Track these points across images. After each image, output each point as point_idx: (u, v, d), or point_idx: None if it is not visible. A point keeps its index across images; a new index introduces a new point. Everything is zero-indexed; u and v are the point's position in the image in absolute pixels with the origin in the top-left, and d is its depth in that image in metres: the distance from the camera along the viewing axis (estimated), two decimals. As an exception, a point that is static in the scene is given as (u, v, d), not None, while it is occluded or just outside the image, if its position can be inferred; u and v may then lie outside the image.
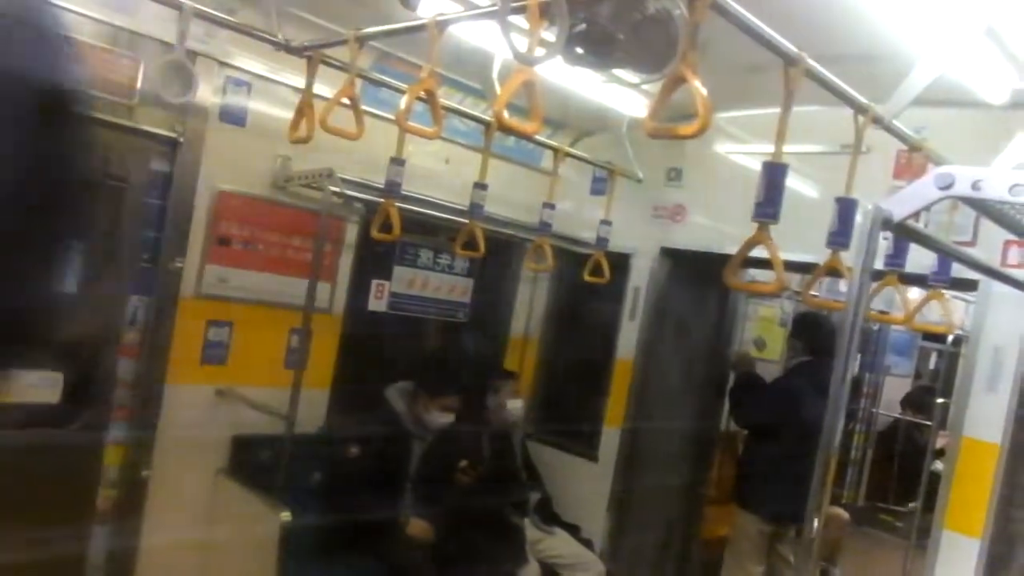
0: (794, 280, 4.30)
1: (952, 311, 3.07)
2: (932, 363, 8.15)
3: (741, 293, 4.59)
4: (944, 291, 2.94)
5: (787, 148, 2.13)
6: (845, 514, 5.45)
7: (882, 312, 4.87)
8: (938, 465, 6.63)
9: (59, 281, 0.60)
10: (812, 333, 4.33)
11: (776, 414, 4.08)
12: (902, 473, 6.67)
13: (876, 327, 6.63)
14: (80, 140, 0.55)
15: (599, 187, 4.25)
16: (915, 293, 3.31)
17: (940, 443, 6.59)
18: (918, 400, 7.08)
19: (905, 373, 7.73)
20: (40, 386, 2.81)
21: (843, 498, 6.32)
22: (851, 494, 6.58)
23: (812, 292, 3.10)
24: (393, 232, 3.02)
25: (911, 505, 5.73)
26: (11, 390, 2.61)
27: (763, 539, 4.17)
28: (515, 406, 3.99)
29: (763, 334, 5.19)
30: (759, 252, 2.14)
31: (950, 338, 6.71)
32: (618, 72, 3.11)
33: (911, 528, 5.99)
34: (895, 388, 7.23)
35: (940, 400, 5.15)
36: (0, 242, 0.53)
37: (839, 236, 2.41)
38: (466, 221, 3.39)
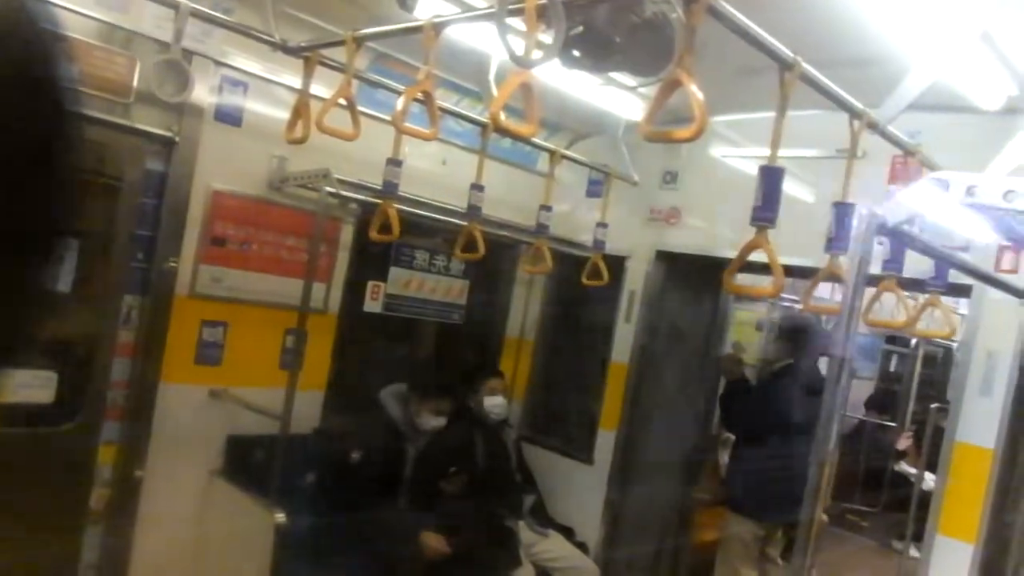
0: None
1: (950, 315, 3.07)
2: (893, 366, 8.21)
3: (729, 297, 4.60)
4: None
5: (782, 152, 2.13)
6: (825, 517, 5.47)
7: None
8: (903, 466, 6.72)
9: (51, 279, 0.60)
10: (800, 336, 4.35)
11: (765, 417, 4.09)
12: (868, 474, 6.73)
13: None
14: (72, 138, 0.55)
15: (595, 190, 4.25)
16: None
17: (903, 445, 6.67)
18: (881, 402, 7.15)
19: (868, 376, 7.79)
20: (34, 385, 2.80)
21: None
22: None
23: (795, 297, 3.11)
24: (393, 233, 3.02)
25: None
26: (4, 389, 2.60)
27: (755, 541, 4.18)
28: (495, 403, 3.98)
29: (740, 338, 5.20)
30: (756, 256, 2.15)
31: (913, 342, 6.76)
32: (615, 75, 3.11)
33: (878, 528, 6.05)
34: (858, 390, 7.29)
35: (936, 406, 5.15)
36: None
37: (838, 241, 2.41)
38: (463, 223, 3.39)
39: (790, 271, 2.85)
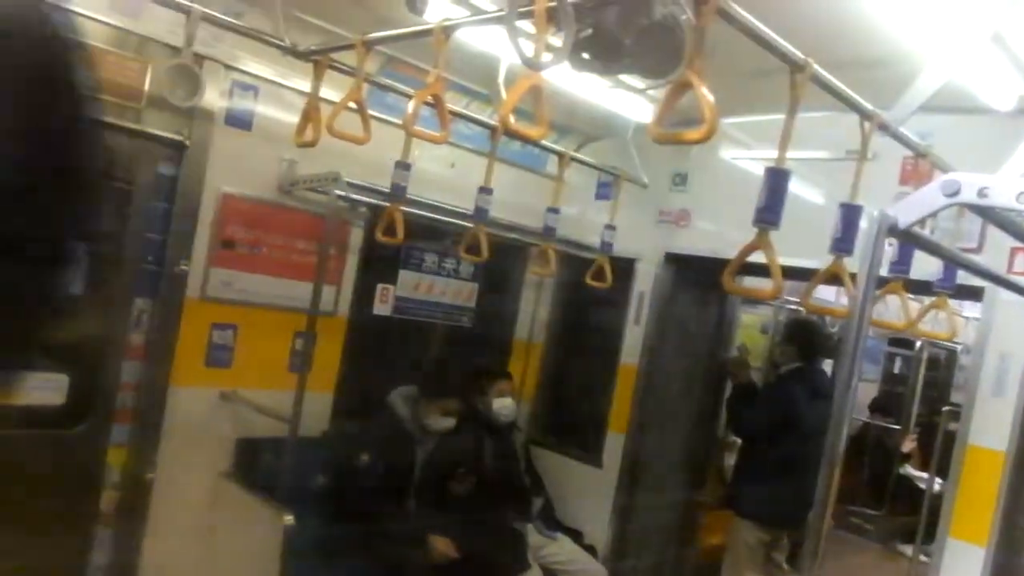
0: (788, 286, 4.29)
1: (955, 317, 3.06)
2: (896, 368, 8.17)
3: (738, 299, 4.59)
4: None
5: (792, 154, 2.12)
6: (831, 521, 5.44)
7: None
8: (908, 469, 6.68)
9: (65, 283, 0.60)
10: (806, 339, 4.33)
11: (772, 420, 4.07)
12: (872, 476, 6.70)
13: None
14: (89, 142, 0.56)
15: (604, 192, 4.25)
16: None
17: (907, 447, 6.64)
18: (885, 404, 7.12)
19: (872, 378, 7.76)
20: (45, 388, 2.82)
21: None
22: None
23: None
24: (397, 236, 3.03)
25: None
26: (16, 392, 2.61)
27: (761, 547, 4.16)
28: (504, 405, 3.98)
29: (745, 340, 5.19)
30: (760, 258, 2.14)
31: (917, 344, 6.74)
32: (624, 77, 3.11)
33: (883, 532, 6.00)
34: (862, 392, 7.25)
35: (947, 408, 5.11)
36: (7, 244, 0.53)
37: (842, 242, 2.40)
38: (471, 225, 3.39)
39: (797, 273, 2.85)
